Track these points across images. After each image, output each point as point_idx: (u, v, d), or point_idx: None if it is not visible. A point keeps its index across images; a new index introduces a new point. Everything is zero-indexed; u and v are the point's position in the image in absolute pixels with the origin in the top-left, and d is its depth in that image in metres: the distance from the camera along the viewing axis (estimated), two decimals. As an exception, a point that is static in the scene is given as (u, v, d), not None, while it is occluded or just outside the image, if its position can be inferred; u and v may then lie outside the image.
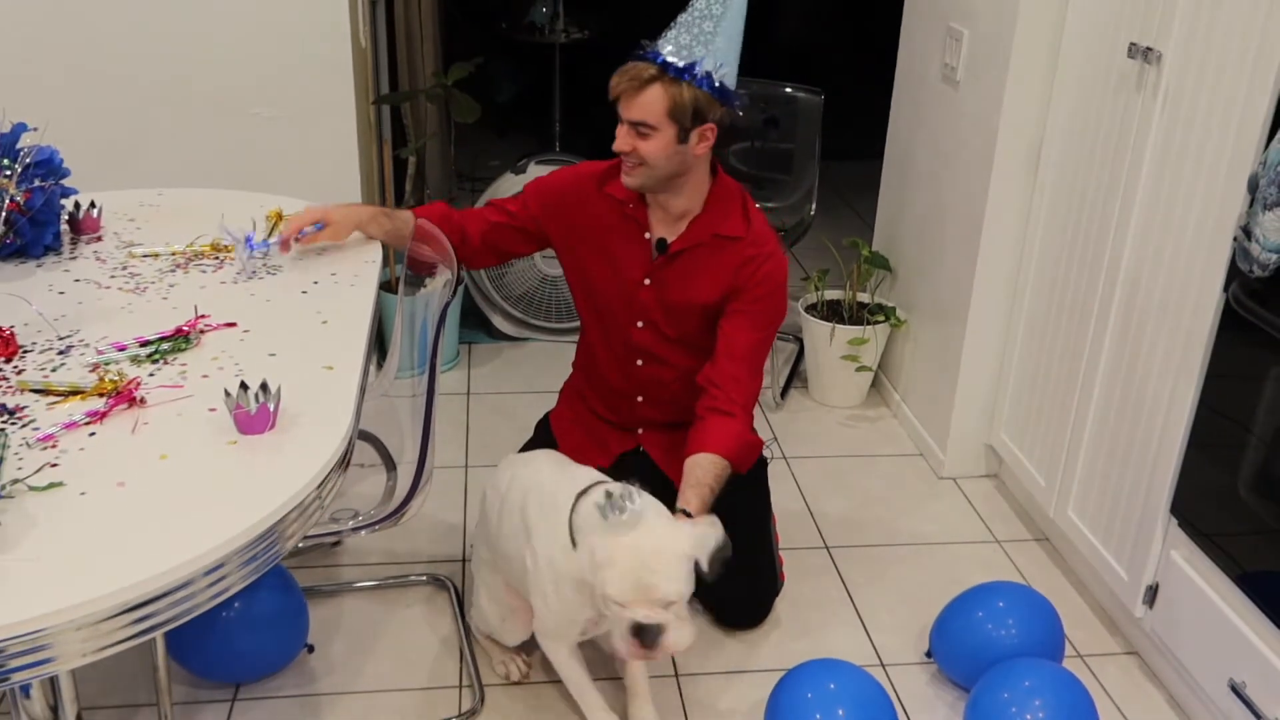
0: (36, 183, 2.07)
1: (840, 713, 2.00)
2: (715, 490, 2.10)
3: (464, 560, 2.66)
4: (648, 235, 2.28)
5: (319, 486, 1.49)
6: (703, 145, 2.15)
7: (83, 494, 1.41)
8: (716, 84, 2.10)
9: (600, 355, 2.41)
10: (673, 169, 2.16)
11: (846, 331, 3.34)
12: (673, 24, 2.12)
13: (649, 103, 2.09)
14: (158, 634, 1.34)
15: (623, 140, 2.15)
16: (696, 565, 1.87)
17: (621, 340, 2.36)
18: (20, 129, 2.07)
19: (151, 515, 1.38)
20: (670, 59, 2.09)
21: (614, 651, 1.91)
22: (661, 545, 1.84)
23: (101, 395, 1.62)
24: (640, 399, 2.41)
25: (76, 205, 2.23)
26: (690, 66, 2.08)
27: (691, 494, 2.05)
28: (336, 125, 3.03)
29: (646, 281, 2.29)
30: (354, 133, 3.06)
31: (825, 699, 2.03)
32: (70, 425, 1.55)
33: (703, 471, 2.10)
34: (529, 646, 2.37)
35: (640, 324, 2.33)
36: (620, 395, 2.42)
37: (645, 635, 1.82)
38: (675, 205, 2.24)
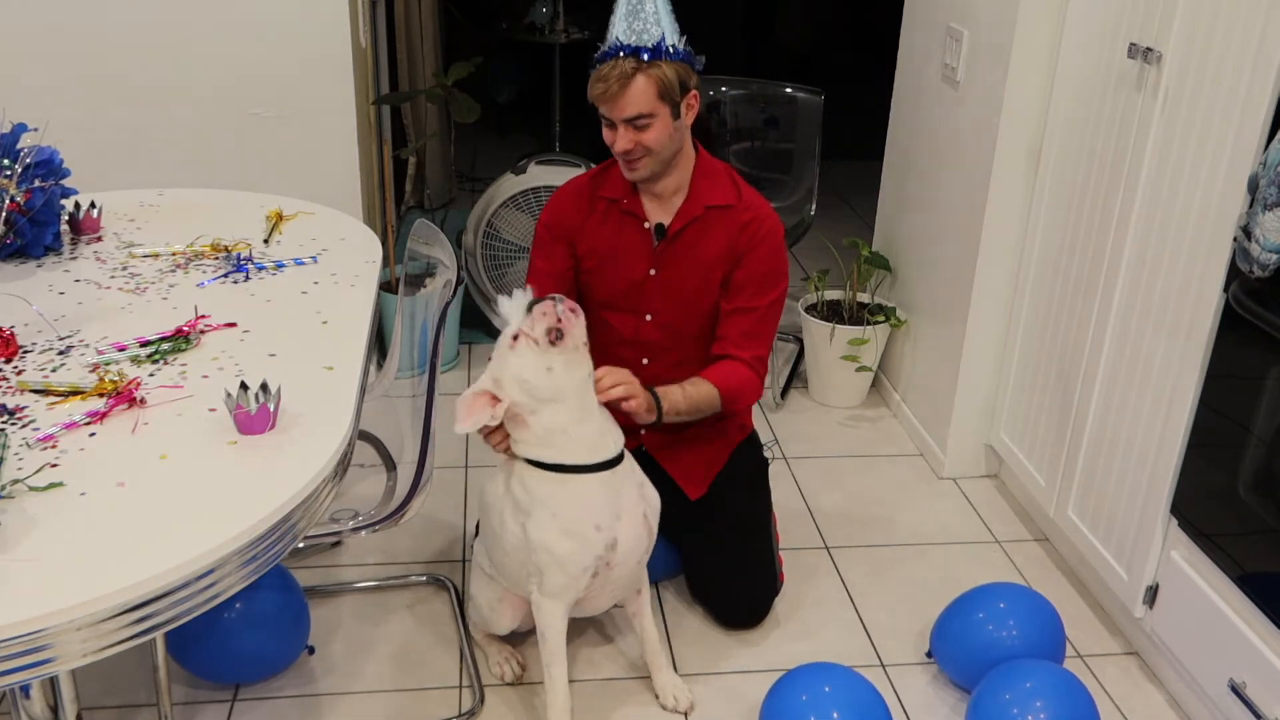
0: (36, 183, 2.07)
1: (835, 716, 2.00)
2: (689, 404, 2.22)
3: (464, 560, 2.66)
4: (647, 225, 2.30)
5: (318, 487, 1.49)
6: (691, 114, 2.22)
7: (83, 494, 1.41)
8: (685, 51, 2.16)
9: (604, 359, 2.39)
10: (674, 147, 2.23)
11: (846, 331, 3.34)
12: (614, 20, 2.15)
13: (639, 94, 2.13)
14: (158, 634, 1.33)
15: (623, 140, 2.17)
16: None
17: (629, 340, 2.36)
18: (20, 129, 2.07)
19: (151, 515, 1.38)
20: (640, 44, 2.12)
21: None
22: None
23: (101, 395, 1.62)
24: None
25: (76, 205, 2.23)
26: (659, 45, 2.12)
27: (674, 391, 2.20)
28: (336, 125, 3.03)
29: (652, 272, 2.31)
30: (354, 133, 3.06)
31: (821, 702, 2.02)
32: (70, 425, 1.55)
33: (693, 388, 2.23)
34: (526, 647, 2.37)
35: (649, 317, 2.34)
36: None
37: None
38: (669, 185, 2.28)
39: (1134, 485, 2.36)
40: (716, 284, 2.31)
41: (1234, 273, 2.02)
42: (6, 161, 2.03)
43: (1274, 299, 1.93)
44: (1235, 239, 1.98)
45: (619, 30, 2.14)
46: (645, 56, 2.12)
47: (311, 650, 2.33)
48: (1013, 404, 2.92)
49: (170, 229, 2.28)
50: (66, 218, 2.23)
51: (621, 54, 2.13)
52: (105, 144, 2.90)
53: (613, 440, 2.05)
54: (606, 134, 2.21)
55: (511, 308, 1.99)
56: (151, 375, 1.70)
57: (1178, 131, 2.19)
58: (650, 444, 2.44)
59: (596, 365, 2.41)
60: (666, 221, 2.30)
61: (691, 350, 2.35)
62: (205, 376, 1.71)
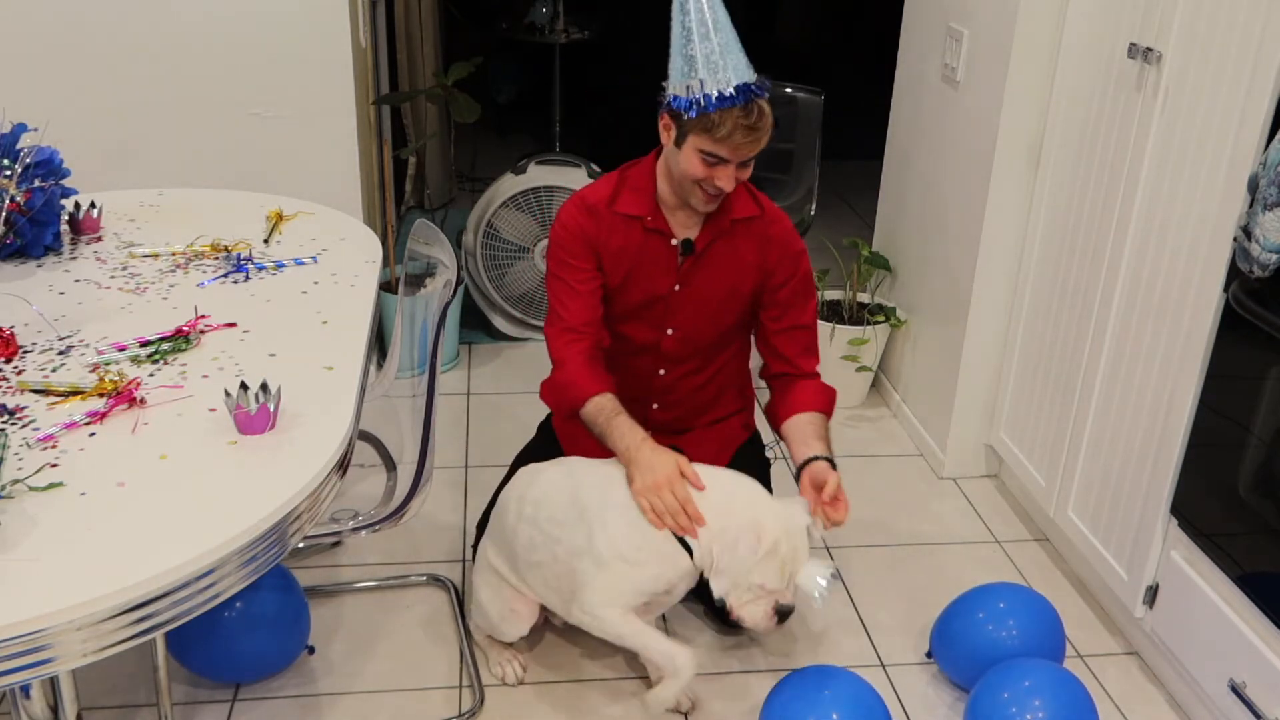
0: (36, 183, 2.07)
1: (834, 718, 2.00)
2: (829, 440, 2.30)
3: (464, 560, 2.66)
4: (674, 241, 2.27)
5: (318, 487, 1.49)
6: None
7: (83, 494, 1.41)
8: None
9: (619, 369, 2.34)
10: None
11: (847, 332, 3.34)
12: (713, 53, 2.04)
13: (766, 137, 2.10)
14: (158, 634, 1.33)
15: (732, 179, 2.11)
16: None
17: (647, 349, 2.34)
18: (20, 129, 2.07)
19: (151, 515, 1.38)
20: (761, 83, 2.07)
21: (742, 621, 2.09)
22: (800, 542, 2.07)
23: (101, 395, 1.62)
24: (655, 406, 2.41)
25: (76, 205, 2.23)
26: (766, 80, 2.09)
27: (821, 445, 2.24)
28: (336, 125, 3.03)
29: (677, 287, 2.29)
30: (354, 133, 3.06)
31: (820, 705, 2.02)
32: (70, 425, 1.55)
33: (818, 426, 2.28)
34: (525, 648, 2.37)
35: (670, 331, 2.33)
36: (634, 402, 2.37)
37: (783, 616, 2.09)
38: None
39: (1134, 485, 2.36)
40: (745, 296, 2.30)
41: (1234, 273, 2.02)
42: (6, 161, 2.03)
43: (1274, 299, 1.93)
44: (1235, 239, 1.98)
45: (729, 68, 2.03)
46: (766, 95, 2.07)
47: (311, 650, 2.33)
48: (1013, 404, 2.92)
49: (170, 229, 2.28)
50: (66, 218, 2.22)
51: (754, 95, 2.04)
52: (105, 143, 2.90)
53: None
54: (703, 169, 2.09)
55: (817, 583, 2.06)
56: (151, 375, 1.70)
57: (1178, 131, 2.19)
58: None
59: (609, 373, 2.37)
60: (692, 236, 2.26)
61: (707, 356, 2.35)
62: (205, 376, 1.71)
